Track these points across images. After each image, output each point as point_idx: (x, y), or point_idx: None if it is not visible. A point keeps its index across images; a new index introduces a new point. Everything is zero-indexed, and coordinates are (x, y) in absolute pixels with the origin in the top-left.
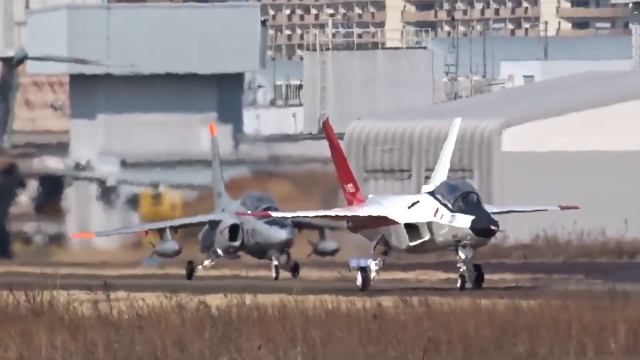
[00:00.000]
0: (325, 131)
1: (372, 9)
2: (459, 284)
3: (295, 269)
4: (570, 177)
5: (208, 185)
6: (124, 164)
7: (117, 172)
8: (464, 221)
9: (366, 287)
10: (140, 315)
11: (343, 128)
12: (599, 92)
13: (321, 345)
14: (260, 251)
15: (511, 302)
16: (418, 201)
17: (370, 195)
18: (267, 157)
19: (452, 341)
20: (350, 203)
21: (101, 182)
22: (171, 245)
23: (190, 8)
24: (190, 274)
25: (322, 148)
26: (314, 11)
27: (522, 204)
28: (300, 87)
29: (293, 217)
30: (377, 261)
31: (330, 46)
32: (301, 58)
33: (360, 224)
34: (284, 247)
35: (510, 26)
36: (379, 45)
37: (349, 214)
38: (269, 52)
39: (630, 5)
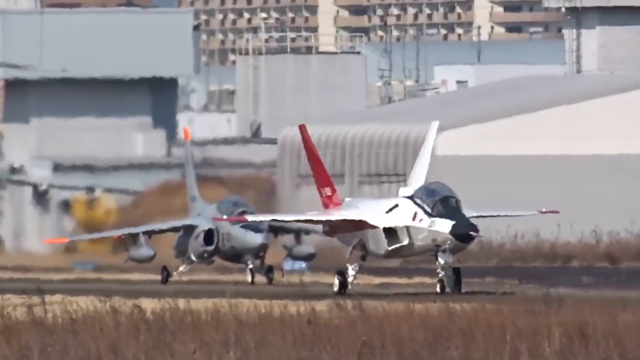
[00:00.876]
0: (301, 135)
1: (305, 14)
2: (438, 289)
3: (269, 272)
4: (503, 181)
5: (142, 190)
6: (56, 168)
7: (49, 176)
8: (444, 226)
9: (344, 292)
10: (75, 320)
11: (276, 133)
12: (532, 97)
13: (255, 349)
14: (236, 256)
15: (445, 306)
16: (397, 205)
17: (346, 199)
18: (200, 162)
19: (386, 345)
20: (326, 207)
21: (34, 186)
22: (145, 250)
23: (123, 13)
24: (165, 280)
25: (255, 152)
26: (246, 15)
27: (500, 209)
28: (233, 92)
29: (269, 221)
30: (354, 265)
31: (263, 51)
32: (234, 63)
33: (337, 228)
34: (260, 251)
35: (443, 31)
36: (313, 50)
37: (326, 218)
38: (202, 57)
39: (563, 10)
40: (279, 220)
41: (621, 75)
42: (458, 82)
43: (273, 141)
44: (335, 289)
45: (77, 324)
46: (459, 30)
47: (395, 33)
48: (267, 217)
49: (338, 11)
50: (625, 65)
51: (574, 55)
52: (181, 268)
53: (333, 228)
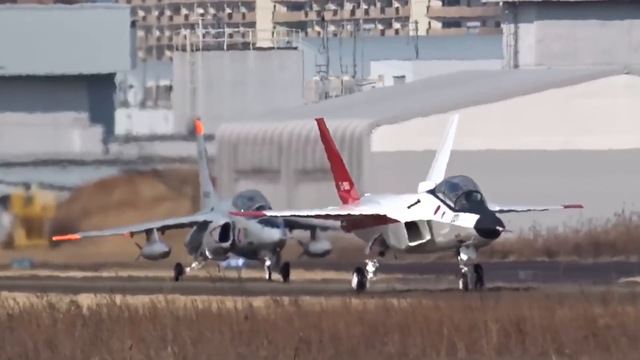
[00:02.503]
0: (319, 128)
1: (242, 10)
2: (461, 285)
3: (286, 270)
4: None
5: (79, 186)
6: None
7: None
8: (468, 220)
9: (362, 289)
10: (11, 315)
11: (214, 129)
12: (470, 92)
13: (192, 345)
14: (252, 252)
15: (382, 301)
16: (419, 200)
17: (366, 194)
18: (137, 157)
19: (323, 341)
20: (345, 201)
21: None
22: (159, 247)
23: (60, 9)
24: (177, 277)
25: (192, 148)
26: (184, 12)
27: (524, 203)
28: (170, 88)
29: (287, 216)
30: (373, 262)
31: (200, 47)
32: (171, 59)
33: (355, 224)
34: (277, 247)
35: (380, 26)
36: (250, 46)
37: (345, 212)
38: (140, 54)
39: (501, 4)
40: (298, 216)
41: (559, 70)
42: (395, 77)
43: (210, 137)
44: (354, 286)
45: (13, 320)
46: (397, 25)
47: (332, 28)
48: (285, 213)
49: (275, 7)
50: (563, 60)
51: (512, 50)
52: (194, 264)
53: (351, 223)
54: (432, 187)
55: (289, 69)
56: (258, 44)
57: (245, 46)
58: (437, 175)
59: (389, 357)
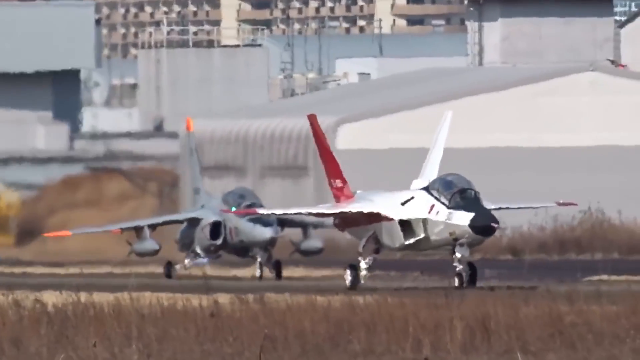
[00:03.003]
0: (311, 125)
1: (207, 7)
2: (456, 283)
3: (277, 268)
4: (405, 175)
5: (44, 184)
6: None
7: None
8: (463, 218)
9: (355, 287)
10: None
11: (179, 127)
12: (435, 90)
13: (157, 342)
14: (244, 250)
15: (347, 298)
16: (412, 197)
17: (358, 191)
18: (103, 155)
19: (288, 338)
20: (337, 199)
21: None
22: (150, 244)
23: (24, 6)
24: (169, 274)
25: (158, 146)
26: (148, 9)
27: (519, 201)
28: (135, 86)
29: (279, 214)
30: (367, 260)
31: (165, 44)
32: (136, 57)
33: (348, 222)
34: (268, 245)
35: (345, 24)
36: (215, 44)
37: (339, 210)
38: (104, 51)
39: (466, 2)
40: (290, 214)
41: (524, 68)
42: (360, 74)
43: (175, 135)
44: (347, 283)
45: None
46: (361, 23)
47: (297, 26)
48: (278, 210)
49: (240, 4)
50: (528, 57)
51: (477, 48)
52: (186, 262)
53: (345, 221)
54: (425, 184)
55: (254, 66)
56: (223, 42)
57: (210, 44)
58: (430, 172)
59: (354, 354)
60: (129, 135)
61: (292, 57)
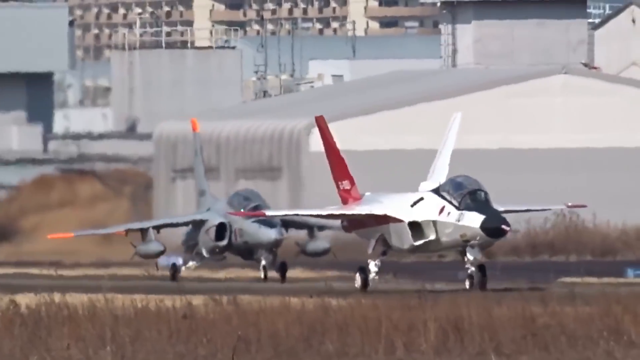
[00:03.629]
0: (319, 127)
1: (180, 8)
2: (467, 285)
3: (283, 269)
4: (379, 176)
5: (18, 184)
6: None
7: None
8: (474, 220)
9: (365, 288)
10: None
11: (152, 128)
12: (408, 92)
13: (130, 344)
14: (248, 251)
15: (320, 300)
16: (422, 199)
17: (367, 193)
18: (76, 156)
19: (262, 340)
20: (345, 201)
21: None
22: (155, 246)
23: None
24: (174, 276)
25: (131, 147)
26: (122, 11)
27: (527, 203)
28: (108, 87)
29: (287, 215)
30: (376, 262)
31: (138, 46)
32: (109, 58)
33: (356, 224)
34: (274, 247)
35: (318, 25)
36: (188, 45)
37: (347, 212)
38: (78, 52)
39: (439, 4)
40: (298, 215)
41: (496, 70)
42: (334, 76)
43: (149, 136)
44: (357, 285)
45: None
46: (335, 25)
47: (270, 27)
48: (285, 212)
49: (214, 5)
50: (501, 59)
51: (450, 50)
52: (191, 264)
53: (353, 223)
54: (435, 186)
55: (227, 68)
56: (196, 43)
57: (184, 45)
58: (440, 174)
59: (328, 356)
60: (102, 136)
61: (265, 59)
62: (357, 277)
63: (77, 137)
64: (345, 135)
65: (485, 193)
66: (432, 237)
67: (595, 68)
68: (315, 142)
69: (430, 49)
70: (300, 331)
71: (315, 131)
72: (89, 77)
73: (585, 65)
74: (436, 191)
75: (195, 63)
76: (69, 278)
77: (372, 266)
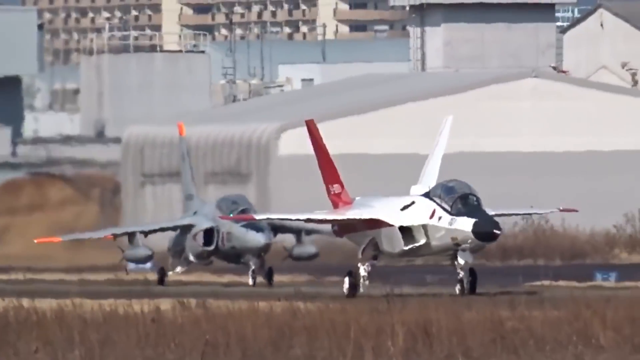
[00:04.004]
0: (309, 130)
1: (148, 12)
2: (457, 290)
3: (269, 274)
4: (350, 180)
5: None
6: None
7: None
8: (465, 224)
9: (354, 293)
10: None
11: (121, 132)
12: (378, 95)
13: (99, 348)
14: (236, 256)
15: (289, 304)
16: (413, 203)
17: (357, 197)
18: (45, 160)
19: (230, 344)
20: (335, 205)
21: None
22: (142, 250)
23: None
24: (161, 280)
25: (100, 151)
26: (90, 15)
27: (520, 207)
28: (77, 91)
29: (277, 219)
30: (365, 266)
31: (106, 50)
32: (78, 62)
33: (347, 228)
34: (262, 252)
35: (288, 29)
36: (157, 49)
37: (338, 217)
38: (47, 57)
39: (408, 8)
40: (288, 219)
41: (466, 73)
42: (303, 80)
43: (117, 140)
44: (345, 290)
45: None
46: (304, 29)
47: (239, 31)
48: (276, 216)
49: (182, 9)
50: (470, 63)
51: (419, 53)
52: (178, 268)
53: (343, 227)
54: (426, 190)
55: (196, 72)
56: (165, 47)
57: (152, 49)
58: (430, 178)
59: (296, 359)
60: (71, 140)
61: (234, 63)
62: (346, 281)
63: (46, 141)
64: None
65: (477, 197)
66: (423, 241)
67: (564, 72)
68: (285, 147)
69: (400, 53)
70: (269, 335)
71: (285, 135)
72: (58, 81)
73: (554, 68)
74: (427, 195)
75: (163, 67)
76: (38, 282)
77: (362, 271)
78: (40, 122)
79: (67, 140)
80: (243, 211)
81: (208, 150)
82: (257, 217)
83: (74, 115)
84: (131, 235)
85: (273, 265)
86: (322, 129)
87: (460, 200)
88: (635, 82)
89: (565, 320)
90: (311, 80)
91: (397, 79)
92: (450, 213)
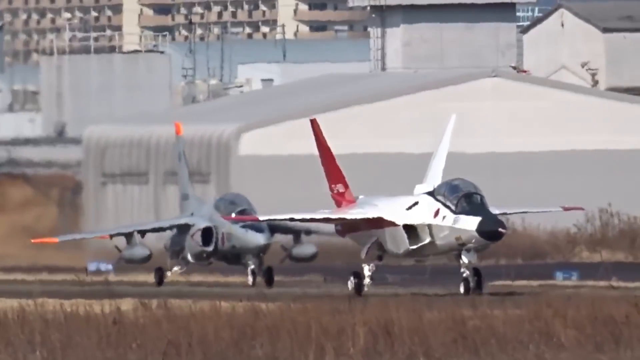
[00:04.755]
0: (313, 130)
1: (108, 13)
2: (462, 289)
3: (269, 274)
4: (309, 181)
5: None
6: None
7: None
8: (470, 223)
9: (359, 293)
10: None
11: (81, 133)
12: (338, 95)
13: (60, 349)
14: (235, 256)
15: (250, 304)
16: (417, 202)
17: (360, 196)
18: (5, 161)
19: (192, 344)
20: (339, 204)
21: None
22: (140, 250)
23: None
24: (160, 281)
25: (60, 152)
26: (50, 15)
27: (527, 206)
28: (37, 92)
29: (281, 219)
30: (370, 266)
31: (66, 51)
32: (38, 63)
33: (351, 227)
34: (261, 252)
35: (248, 29)
36: (117, 49)
37: (342, 216)
38: (7, 58)
39: (368, 8)
40: (292, 219)
41: (425, 73)
42: (263, 80)
43: (78, 141)
44: (350, 290)
45: None
46: (264, 29)
47: (200, 32)
48: (280, 216)
49: (142, 10)
50: (430, 63)
51: (379, 54)
52: (176, 268)
53: (347, 227)
54: (430, 189)
55: (156, 72)
56: (125, 48)
57: (112, 50)
58: (434, 177)
59: None
60: (31, 141)
61: (194, 63)
62: (351, 281)
63: (6, 142)
64: (274, 140)
65: (481, 196)
66: (428, 240)
67: (524, 71)
68: (245, 147)
69: (360, 53)
70: (231, 335)
71: (245, 136)
72: (18, 82)
73: (515, 68)
74: (431, 194)
75: (123, 68)
76: (1, 282)
77: (366, 271)
78: (1, 123)
79: (27, 141)
80: (242, 211)
81: (168, 149)
82: (261, 217)
83: (35, 116)
84: (128, 235)
85: (271, 265)
86: (282, 129)
87: (465, 199)
88: (595, 82)
89: (527, 319)
90: (271, 80)
91: (357, 79)
92: (454, 212)
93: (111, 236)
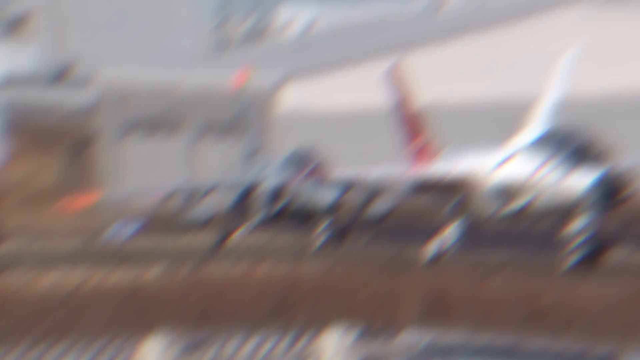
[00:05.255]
0: (393, 80)
1: None
2: (572, 258)
3: (340, 236)
4: (368, 138)
5: None
6: None
7: None
8: (584, 179)
9: (440, 259)
10: None
11: (89, 72)
12: (404, 36)
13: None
14: (305, 216)
15: (306, 266)
16: (513, 156)
17: (445, 150)
18: None
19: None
20: (418, 159)
21: None
22: (204, 210)
23: None
24: (222, 242)
25: (63, 96)
26: None
27: None
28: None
29: (354, 174)
30: (452, 228)
31: None
32: None
33: (431, 185)
34: (333, 211)
35: None
36: None
37: (423, 172)
38: None
39: None
40: (365, 175)
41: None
42: (305, 21)
43: (82, 82)
44: (431, 256)
45: None
46: None
47: None
48: (352, 171)
49: None
50: None
51: None
52: (242, 229)
53: (426, 184)
54: (532, 139)
55: (181, 7)
56: None
57: None
58: (537, 124)
59: None
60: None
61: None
62: (431, 246)
63: None
64: (320, 92)
65: (599, 146)
66: (525, 201)
67: None
68: (289, 98)
69: None
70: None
71: (289, 86)
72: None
73: None
74: (534, 145)
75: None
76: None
77: (449, 233)
78: None
79: (17, 80)
80: (315, 167)
81: (204, 98)
82: (334, 173)
83: (25, 46)
84: (191, 195)
85: (343, 225)
86: (329, 80)
87: (578, 150)
88: None
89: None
90: (313, 21)
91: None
92: (562, 167)
93: (167, 196)
